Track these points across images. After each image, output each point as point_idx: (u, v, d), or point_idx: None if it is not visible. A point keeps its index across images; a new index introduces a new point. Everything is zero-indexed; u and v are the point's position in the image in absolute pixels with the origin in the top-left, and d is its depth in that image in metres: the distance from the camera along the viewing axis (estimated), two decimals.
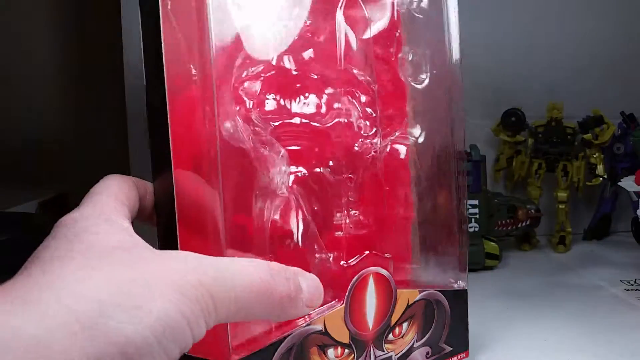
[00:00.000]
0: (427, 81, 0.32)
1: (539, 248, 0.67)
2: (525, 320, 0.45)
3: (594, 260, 0.63)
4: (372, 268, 0.31)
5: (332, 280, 0.29)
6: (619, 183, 0.60)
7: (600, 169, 0.67)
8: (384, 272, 0.31)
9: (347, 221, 0.31)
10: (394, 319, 0.32)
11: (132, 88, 0.62)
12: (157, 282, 0.20)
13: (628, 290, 0.52)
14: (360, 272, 0.30)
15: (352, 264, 0.30)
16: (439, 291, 0.34)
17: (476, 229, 0.59)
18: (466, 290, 0.36)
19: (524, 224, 0.63)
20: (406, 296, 0.32)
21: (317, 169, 0.30)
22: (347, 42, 0.30)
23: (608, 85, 0.72)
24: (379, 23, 0.31)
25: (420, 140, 0.34)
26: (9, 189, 0.65)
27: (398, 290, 0.32)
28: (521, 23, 0.71)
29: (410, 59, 0.31)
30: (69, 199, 0.69)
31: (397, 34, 0.31)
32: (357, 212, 0.31)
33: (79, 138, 0.73)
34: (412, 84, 0.33)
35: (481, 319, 0.38)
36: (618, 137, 0.67)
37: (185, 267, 0.21)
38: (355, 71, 0.31)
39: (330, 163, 0.30)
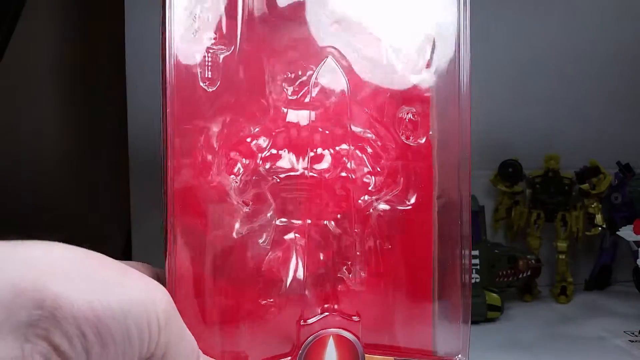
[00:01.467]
0: (424, 140, 0.32)
1: (541, 299, 0.67)
2: None
3: (596, 310, 0.62)
4: (332, 330, 0.30)
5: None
6: (617, 232, 0.60)
7: (598, 218, 0.67)
8: (346, 334, 0.30)
9: (351, 276, 0.31)
10: None
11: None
12: None
13: (632, 341, 0.52)
14: (318, 333, 0.30)
15: (310, 323, 0.30)
16: None
17: (477, 280, 0.59)
18: None
19: (525, 274, 0.63)
20: None
21: (324, 222, 0.30)
22: (350, 100, 0.31)
23: (604, 136, 0.73)
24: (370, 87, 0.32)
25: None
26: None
27: (369, 355, 0.31)
28: (516, 73, 0.73)
29: (407, 118, 0.32)
30: None
31: (388, 95, 0.32)
32: (361, 267, 0.31)
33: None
34: (409, 142, 0.33)
35: None
36: (615, 186, 0.68)
37: None
38: (359, 129, 0.32)
39: (338, 216, 0.31)
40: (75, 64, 0.72)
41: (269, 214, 0.30)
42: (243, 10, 0.30)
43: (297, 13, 0.31)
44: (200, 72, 0.29)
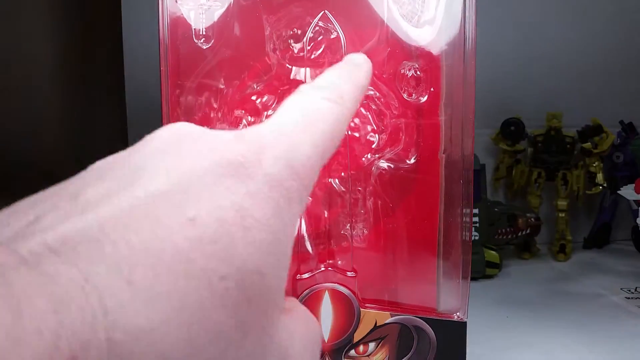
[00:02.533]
0: (425, 97, 0.32)
1: (539, 256, 0.67)
2: (526, 328, 0.45)
3: (594, 268, 0.63)
4: (328, 284, 0.30)
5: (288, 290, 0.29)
6: (618, 192, 0.60)
7: (599, 177, 0.67)
8: (341, 289, 0.31)
9: (355, 233, 0.31)
10: (356, 337, 0.31)
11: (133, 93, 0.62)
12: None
13: (629, 298, 0.52)
14: (313, 287, 0.30)
15: (304, 277, 0.30)
16: (422, 318, 0.32)
17: (476, 238, 0.59)
18: (465, 322, 0.33)
19: (524, 232, 0.63)
20: (373, 316, 0.31)
21: (328, 179, 0.30)
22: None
23: (607, 95, 0.73)
24: (369, 42, 0.31)
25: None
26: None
27: (365, 309, 0.31)
28: (519, 33, 0.72)
29: (410, 74, 0.31)
30: None
31: (388, 51, 0.31)
32: (364, 225, 0.31)
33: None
34: (410, 100, 0.32)
35: (481, 328, 0.38)
36: (617, 146, 0.68)
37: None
38: None
39: (342, 174, 0.30)
40: (74, 63, 0.71)
41: None
42: None
43: None
44: (195, 29, 0.29)
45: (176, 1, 0.28)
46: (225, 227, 0.14)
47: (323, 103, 0.19)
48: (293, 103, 0.19)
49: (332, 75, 0.21)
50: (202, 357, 0.13)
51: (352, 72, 0.22)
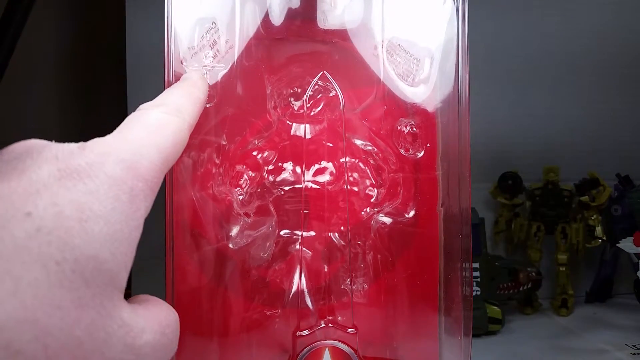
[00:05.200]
0: (422, 153, 0.33)
1: (542, 311, 0.67)
2: None
3: (597, 323, 0.62)
4: (328, 341, 0.30)
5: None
6: (618, 244, 0.60)
7: (598, 230, 0.67)
8: (342, 346, 0.30)
9: (355, 288, 0.31)
10: None
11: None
12: None
13: (634, 354, 0.52)
14: (313, 345, 0.30)
15: (304, 334, 0.30)
16: None
17: (478, 293, 0.58)
18: None
19: (525, 287, 0.63)
20: None
21: (328, 234, 0.31)
22: (347, 114, 0.32)
23: (603, 148, 0.74)
24: (367, 100, 0.32)
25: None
26: None
27: None
28: (516, 87, 0.73)
29: (406, 131, 0.32)
30: None
31: (385, 109, 0.32)
32: (364, 280, 0.31)
33: None
34: (407, 155, 0.33)
35: None
36: (615, 198, 0.68)
37: None
38: (360, 142, 0.32)
39: (342, 228, 0.31)
40: (75, 65, 0.73)
41: (270, 226, 0.30)
42: (240, 30, 0.30)
43: (292, 32, 0.31)
44: None
45: (181, 62, 0.29)
46: (62, 219, 0.16)
47: (165, 116, 0.22)
48: (135, 118, 0.22)
49: (170, 93, 0.24)
50: (41, 326, 0.15)
51: (188, 89, 0.25)
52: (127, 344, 0.17)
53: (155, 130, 0.21)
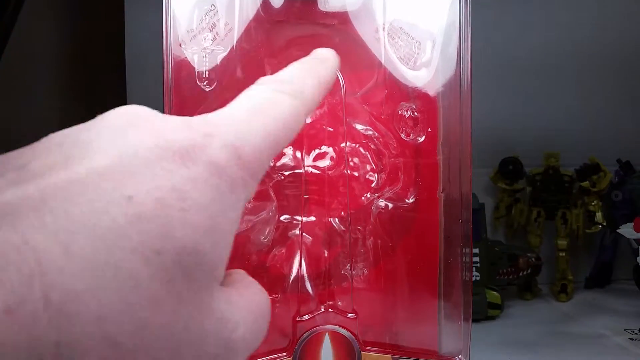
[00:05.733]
0: (423, 137, 0.32)
1: (541, 297, 0.67)
2: None
3: (596, 308, 0.62)
4: (329, 326, 0.30)
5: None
6: (618, 230, 0.60)
7: (599, 216, 0.67)
8: (342, 331, 0.30)
9: (355, 273, 0.31)
10: None
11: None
12: None
13: (632, 339, 0.52)
14: (313, 329, 0.30)
15: (304, 319, 0.30)
16: None
17: (477, 278, 0.59)
18: None
19: (525, 272, 0.63)
20: (374, 359, 0.31)
21: (328, 219, 0.30)
22: (348, 98, 0.31)
23: (604, 133, 0.73)
24: (368, 84, 0.32)
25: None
26: None
27: (365, 352, 0.31)
28: (517, 73, 0.73)
29: (407, 115, 0.32)
30: None
31: (386, 93, 0.32)
32: (364, 265, 0.31)
33: None
34: (407, 140, 0.33)
35: None
36: (615, 184, 0.68)
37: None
38: (360, 126, 0.32)
39: (342, 213, 0.31)
40: (74, 64, 0.72)
41: (270, 211, 0.30)
42: (240, 12, 0.30)
43: (292, 14, 0.31)
44: (198, 72, 0.29)
45: (180, 45, 0.29)
46: (163, 207, 0.15)
47: (280, 96, 0.19)
48: (249, 94, 0.20)
49: (295, 69, 0.22)
50: (136, 319, 0.14)
51: (316, 67, 0.22)
52: (222, 339, 0.17)
53: (266, 112, 0.19)
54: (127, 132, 0.16)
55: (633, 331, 0.54)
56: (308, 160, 0.31)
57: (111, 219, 0.14)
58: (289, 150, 0.31)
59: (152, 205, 0.15)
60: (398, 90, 0.32)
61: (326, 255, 0.31)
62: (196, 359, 0.16)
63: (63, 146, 0.16)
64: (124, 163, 0.15)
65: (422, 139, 0.32)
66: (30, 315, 0.12)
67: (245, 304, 0.18)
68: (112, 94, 0.68)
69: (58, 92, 0.71)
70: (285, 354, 0.30)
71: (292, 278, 0.30)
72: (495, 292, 0.59)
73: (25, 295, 0.12)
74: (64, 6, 0.71)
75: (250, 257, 0.30)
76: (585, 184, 0.67)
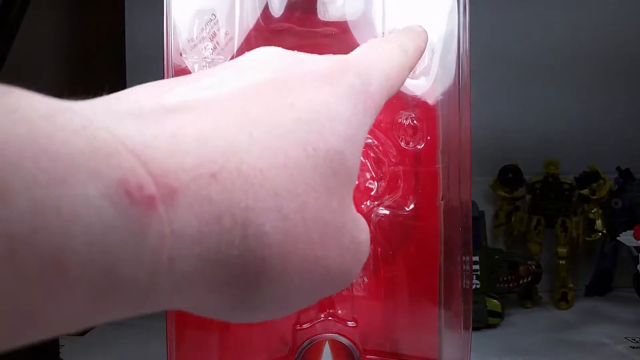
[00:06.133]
0: (422, 145, 0.32)
1: (541, 305, 0.67)
2: None
3: (597, 316, 0.62)
4: (329, 334, 0.30)
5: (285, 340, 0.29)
6: (618, 238, 0.60)
7: (598, 224, 0.67)
8: (342, 339, 0.30)
9: (355, 281, 0.31)
10: None
11: None
12: None
13: (633, 347, 0.52)
14: (313, 338, 0.30)
15: (304, 327, 0.30)
16: None
17: (478, 286, 0.59)
18: None
19: (525, 280, 0.63)
20: None
21: None
22: None
23: (604, 141, 0.73)
24: None
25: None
26: None
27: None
28: (516, 81, 0.73)
29: (407, 123, 0.32)
30: None
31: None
32: (364, 273, 0.31)
33: None
34: (407, 148, 0.33)
35: None
36: (615, 192, 0.68)
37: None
38: None
39: None
40: (75, 65, 0.72)
41: None
42: (240, 22, 0.30)
43: (292, 23, 0.31)
44: None
45: (181, 54, 0.29)
46: (316, 114, 0.18)
47: (395, 49, 0.23)
48: (370, 44, 0.23)
49: (399, 34, 0.26)
50: (299, 199, 0.17)
51: (414, 36, 0.26)
52: (353, 237, 0.19)
53: (387, 59, 0.22)
54: (277, 60, 0.20)
55: (634, 339, 0.54)
56: None
57: (280, 117, 0.17)
58: None
59: (308, 111, 0.18)
60: (397, 99, 0.32)
61: None
62: (335, 246, 0.18)
63: (225, 69, 0.19)
64: (284, 78, 0.19)
65: (421, 147, 0.32)
66: (229, 181, 0.15)
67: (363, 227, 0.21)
68: (112, 89, 0.68)
69: (58, 93, 0.72)
70: None
71: None
72: (495, 300, 0.59)
73: (224, 164, 0.15)
74: (64, 7, 0.71)
75: None
76: (585, 191, 0.67)
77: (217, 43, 0.30)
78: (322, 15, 0.31)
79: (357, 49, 0.23)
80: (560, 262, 0.67)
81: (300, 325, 0.30)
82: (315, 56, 0.21)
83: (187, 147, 0.14)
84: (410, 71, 0.24)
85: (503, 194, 0.69)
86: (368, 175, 0.32)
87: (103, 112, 0.14)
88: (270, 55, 0.20)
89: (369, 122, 0.20)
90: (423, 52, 0.26)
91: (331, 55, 0.21)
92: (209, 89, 0.17)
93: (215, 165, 0.15)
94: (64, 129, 0.12)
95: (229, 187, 0.15)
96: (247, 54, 0.21)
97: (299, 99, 0.18)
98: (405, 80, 0.24)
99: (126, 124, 0.14)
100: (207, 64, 0.29)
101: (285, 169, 0.16)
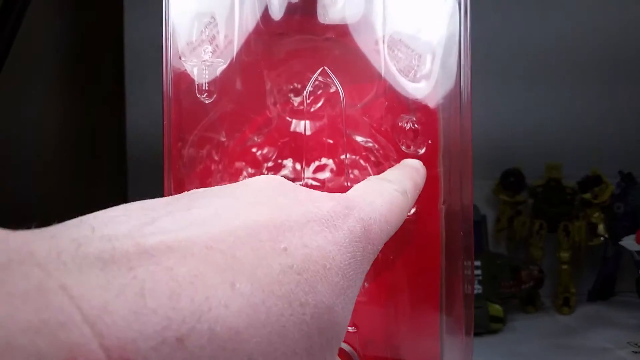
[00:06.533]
0: (424, 149, 0.32)
1: (544, 310, 0.66)
2: None
3: (599, 321, 0.62)
4: None
5: None
6: (620, 242, 0.60)
7: (601, 228, 0.67)
8: (343, 345, 0.30)
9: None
10: None
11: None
12: None
13: (636, 352, 0.51)
14: None
15: None
16: None
17: (479, 291, 0.58)
18: None
19: (527, 285, 0.62)
20: None
21: None
22: (348, 110, 0.31)
23: (606, 145, 0.73)
24: (368, 96, 0.32)
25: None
26: None
27: None
28: (517, 84, 0.73)
29: (407, 127, 0.32)
30: None
31: (386, 105, 0.32)
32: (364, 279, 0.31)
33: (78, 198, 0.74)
34: (408, 152, 0.33)
35: None
36: (617, 196, 0.68)
37: None
38: (361, 138, 0.32)
39: None
40: (74, 68, 0.72)
41: None
42: (240, 25, 0.30)
43: (292, 27, 0.31)
44: (198, 84, 0.29)
45: (180, 57, 0.29)
46: (310, 263, 0.17)
47: (395, 192, 0.23)
48: (370, 183, 0.23)
49: (398, 172, 0.25)
50: None
51: (412, 173, 0.26)
52: None
53: (388, 202, 0.22)
54: (277, 196, 0.18)
55: (637, 344, 0.53)
56: (308, 172, 0.30)
57: (269, 264, 0.16)
58: (288, 162, 0.30)
59: (302, 259, 0.16)
60: (398, 103, 0.32)
61: None
62: None
63: (220, 198, 0.18)
64: (281, 219, 0.17)
65: (422, 151, 0.32)
66: (198, 346, 0.13)
67: None
68: (112, 95, 0.68)
69: (58, 93, 0.72)
70: None
71: None
72: (497, 306, 0.58)
73: (195, 324, 0.13)
74: (63, 10, 0.71)
75: None
76: (587, 196, 0.67)
77: (217, 46, 0.30)
78: (322, 19, 0.31)
79: (358, 187, 0.22)
80: (563, 266, 0.66)
81: None
82: (317, 194, 0.20)
83: (156, 304, 0.13)
84: (410, 209, 0.24)
85: (505, 198, 0.69)
86: None
87: (68, 259, 0.13)
88: (271, 189, 0.19)
89: (366, 269, 0.19)
90: (421, 190, 0.26)
91: (334, 196, 0.20)
92: (198, 226, 0.15)
93: (184, 327, 0.13)
94: (12, 295, 0.11)
95: (196, 354, 0.13)
96: (249, 181, 0.19)
97: (293, 244, 0.17)
98: (402, 223, 0.23)
99: (90, 277, 0.12)
100: (206, 67, 0.29)
101: (264, 329, 0.15)
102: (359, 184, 0.23)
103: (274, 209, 0.17)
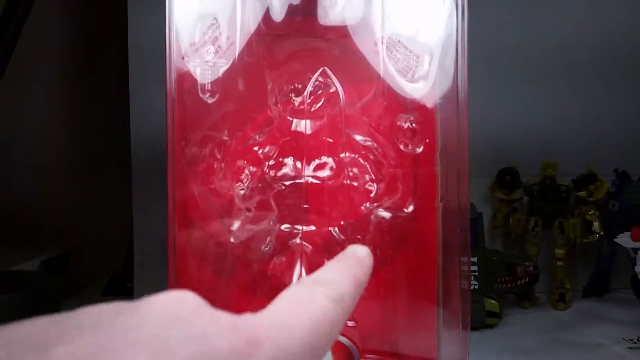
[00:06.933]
0: (421, 148, 0.33)
1: (539, 305, 0.67)
2: None
3: (594, 317, 0.63)
4: None
5: None
6: (615, 240, 0.61)
7: (596, 226, 0.67)
8: (342, 339, 0.30)
9: None
10: None
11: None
12: None
13: (631, 348, 0.52)
14: None
15: None
16: None
17: (476, 287, 0.59)
18: None
19: (523, 281, 0.63)
20: None
21: (328, 228, 0.31)
22: (347, 109, 0.32)
23: (601, 144, 0.74)
24: (367, 96, 0.33)
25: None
26: (10, 247, 0.65)
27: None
28: (514, 84, 0.74)
29: (406, 126, 0.32)
30: (70, 257, 0.69)
31: (384, 105, 0.33)
32: None
33: (82, 197, 0.74)
34: (406, 150, 0.33)
35: None
36: (612, 194, 0.68)
37: None
38: (360, 137, 0.32)
39: (342, 223, 0.31)
40: (78, 68, 0.73)
41: (271, 221, 0.30)
42: (242, 26, 0.31)
43: (293, 28, 0.31)
44: (200, 84, 0.30)
45: (183, 58, 0.29)
46: None
47: (324, 301, 0.19)
48: (293, 295, 0.19)
49: (334, 271, 0.21)
50: None
51: (354, 269, 0.22)
52: None
53: (314, 321, 0.18)
54: (171, 329, 0.16)
55: (632, 339, 0.54)
56: (308, 171, 0.31)
57: None
58: (289, 161, 0.31)
59: None
60: (396, 102, 0.32)
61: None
62: None
63: (100, 330, 0.15)
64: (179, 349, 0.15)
65: (420, 150, 0.32)
66: None
67: None
68: (115, 94, 0.68)
69: (62, 93, 0.72)
70: None
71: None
72: (493, 301, 0.59)
73: None
74: (67, 10, 0.71)
75: (251, 265, 0.30)
76: (582, 193, 0.67)
77: (219, 47, 0.30)
78: (322, 20, 0.31)
79: (279, 300, 0.19)
80: (558, 263, 0.67)
81: None
82: (221, 323, 0.16)
83: None
84: (348, 316, 0.20)
85: (501, 195, 0.70)
86: (367, 178, 0.32)
87: None
88: (165, 316, 0.16)
89: None
90: (365, 283, 0.22)
91: (240, 323, 0.17)
92: None
93: None
94: None
95: None
96: (139, 306, 0.16)
97: None
98: (340, 331, 0.19)
99: None
100: (208, 68, 0.30)
101: None
102: (282, 293, 0.19)
103: (162, 347, 0.15)
